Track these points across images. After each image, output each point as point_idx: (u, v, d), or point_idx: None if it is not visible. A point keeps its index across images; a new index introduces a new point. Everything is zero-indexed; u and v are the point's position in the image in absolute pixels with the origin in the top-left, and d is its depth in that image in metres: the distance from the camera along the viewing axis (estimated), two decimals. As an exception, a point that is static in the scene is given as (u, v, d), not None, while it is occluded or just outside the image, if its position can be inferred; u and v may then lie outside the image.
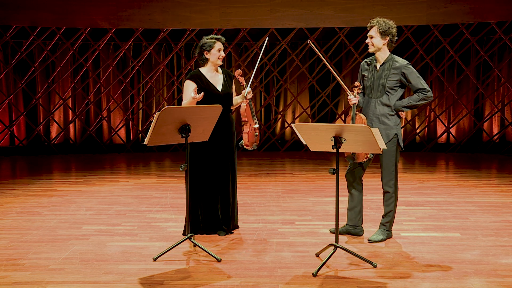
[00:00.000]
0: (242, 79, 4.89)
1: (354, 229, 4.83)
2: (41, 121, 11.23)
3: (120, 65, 11.58)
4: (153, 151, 10.85)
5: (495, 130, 11.31)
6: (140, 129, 11.50)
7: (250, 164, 9.43)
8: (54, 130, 11.48)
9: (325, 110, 11.60)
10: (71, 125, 11.60)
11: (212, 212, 4.87)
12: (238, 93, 5.11)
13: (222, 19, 10.22)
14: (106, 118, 11.30)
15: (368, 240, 4.63)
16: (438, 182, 7.46)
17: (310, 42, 4.72)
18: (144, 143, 4.09)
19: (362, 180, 4.79)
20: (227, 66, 11.66)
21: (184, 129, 4.14)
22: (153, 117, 4.38)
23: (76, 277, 3.85)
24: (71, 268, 4.03)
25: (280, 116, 11.55)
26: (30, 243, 4.66)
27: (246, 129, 4.84)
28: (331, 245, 4.16)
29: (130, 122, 11.53)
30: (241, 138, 4.88)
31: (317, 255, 4.28)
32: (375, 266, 4.02)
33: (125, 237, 4.84)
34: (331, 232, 4.88)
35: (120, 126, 11.31)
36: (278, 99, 11.96)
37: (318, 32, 10.58)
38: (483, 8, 10.02)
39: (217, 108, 4.31)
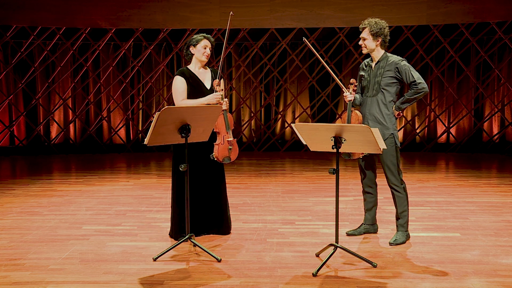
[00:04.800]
0: (218, 89, 4.64)
1: (373, 228, 4.89)
2: (41, 121, 11.23)
3: (120, 65, 11.58)
4: (153, 151, 10.85)
5: (495, 130, 11.31)
6: (140, 129, 11.50)
7: (250, 164, 9.43)
8: (54, 130, 11.48)
9: (325, 110, 11.60)
10: (71, 125, 11.60)
11: (201, 214, 4.77)
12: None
13: (222, 19, 10.22)
14: (106, 118, 11.30)
15: (389, 243, 4.58)
16: (438, 182, 7.46)
17: (306, 40, 4.73)
18: (144, 143, 4.09)
19: (376, 183, 4.81)
20: (227, 66, 11.67)
21: (184, 129, 4.14)
22: (153, 117, 4.37)
23: (76, 277, 3.85)
24: (71, 268, 4.02)
25: (280, 116, 11.55)
26: (30, 243, 4.66)
27: (218, 140, 4.64)
28: (331, 245, 4.16)
29: (130, 122, 11.53)
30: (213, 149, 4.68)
31: (317, 255, 4.28)
32: (375, 266, 4.02)
33: (125, 237, 4.84)
34: (348, 235, 4.85)
35: (120, 126, 11.31)
36: (278, 99, 11.96)
37: (318, 32, 10.58)
38: (483, 8, 10.02)
39: (217, 108, 4.31)
